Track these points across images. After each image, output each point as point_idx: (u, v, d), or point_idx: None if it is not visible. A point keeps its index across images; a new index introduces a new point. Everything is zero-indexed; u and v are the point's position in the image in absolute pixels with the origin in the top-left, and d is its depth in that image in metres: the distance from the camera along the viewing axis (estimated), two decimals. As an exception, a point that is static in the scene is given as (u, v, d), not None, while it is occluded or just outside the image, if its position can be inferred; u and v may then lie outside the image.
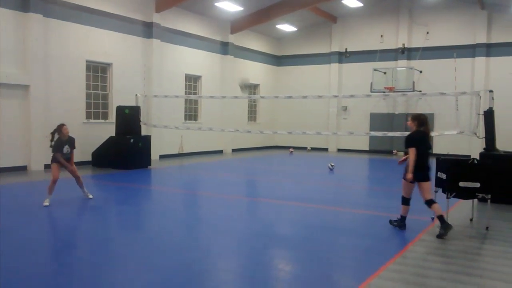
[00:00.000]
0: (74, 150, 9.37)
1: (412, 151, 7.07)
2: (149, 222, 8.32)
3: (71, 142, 9.28)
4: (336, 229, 7.74)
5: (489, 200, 7.58)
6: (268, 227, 7.86)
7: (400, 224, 7.50)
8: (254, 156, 21.82)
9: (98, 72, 16.58)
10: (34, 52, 14.06)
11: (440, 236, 6.90)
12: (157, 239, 6.89)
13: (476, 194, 7.49)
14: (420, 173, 7.10)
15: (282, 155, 22.68)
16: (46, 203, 8.88)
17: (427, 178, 7.18)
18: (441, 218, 6.98)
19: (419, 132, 7.32)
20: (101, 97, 16.73)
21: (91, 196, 9.64)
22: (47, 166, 14.53)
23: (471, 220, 8.24)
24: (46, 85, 14.52)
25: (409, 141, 7.25)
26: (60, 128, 9.09)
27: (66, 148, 9.13)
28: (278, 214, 9.06)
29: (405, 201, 7.44)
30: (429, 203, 7.17)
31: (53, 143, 9.08)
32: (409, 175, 7.06)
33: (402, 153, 23.08)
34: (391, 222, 7.72)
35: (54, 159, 9.12)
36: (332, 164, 16.49)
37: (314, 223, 8.18)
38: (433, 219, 8.06)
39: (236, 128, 18.72)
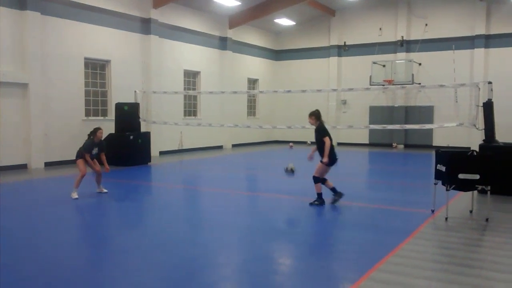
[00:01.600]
0: (104, 153, 9.91)
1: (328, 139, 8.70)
2: (149, 218, 8.33)
3: (101, 145, 9.85)
4: (337, 222, 7.76)
5: (488, 192, 7.60)
6: (269, 222, 7.88)
7: (320, 201, 8.81)
8: (254, 151, 21.82)
9: (96, 69, 16.56)
10: (32, 50, 14.03)
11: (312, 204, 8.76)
12: (157, 235, 6.91)
13: (476, 186, 7.50)
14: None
15: (282, 150, 22.69)
16: (75, 196, 9.37)
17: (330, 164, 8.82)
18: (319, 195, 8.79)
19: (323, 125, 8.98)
20: (100, 94, 16.71)
21: (105, 190, 9.99)
22: (47, 164, 14.56)
23: (471, 212, 8.26)
24: (45, 83, 14.50)
25: (326, 132, 8.86)
26: (95, 131, 9.67)
27: (95, 150, 9.68)
28: (278, 208, 9.08)
29: (320, 180, 8.89)
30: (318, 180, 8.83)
31: (84, 143, 9.66)
32: (326, 159, 8.67)
33: (401, 146, 23.12)
34: (312, 203, 8.83)
35: (78, 155, 9.58)
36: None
37: (315, 217, 8.20)
38: (433, 211, 8.08)
39: (235, 123, 18.71)
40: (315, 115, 9.06)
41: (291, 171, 9.36)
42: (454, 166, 7.53)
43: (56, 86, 14.89)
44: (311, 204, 8.84)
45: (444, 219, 7.58)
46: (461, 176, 7.44)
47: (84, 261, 5.78)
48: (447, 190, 7.60)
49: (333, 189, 8.97)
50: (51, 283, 4.94)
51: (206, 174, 14.57)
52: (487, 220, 7.59)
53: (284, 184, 12.12)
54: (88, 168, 9.67)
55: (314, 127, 9.20)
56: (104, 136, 15.29)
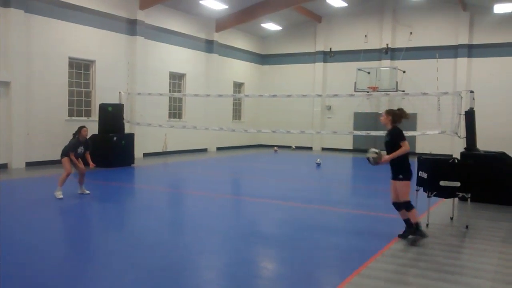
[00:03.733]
0: (89, 152, 9.89)
1: (406, 144, 6.71)
2: (132, 221, 8.26)
3: (87, 144, 9.82)
4: (319, 228, 7.78)
5: (469, 199, 7.70)
6: (252, 226, 7.88)
7: (422, 233, 6.65)
8: (239, 155, 21.81)
9: (81, 69, 16.40)
10: (16, 48, 13.84)
11: (415, 241, 6.61)
12: (139, 237, 6.85)
13: (457, 193, 7.60)
14: (407, 171, 6.71)
15: (267, 154, 22.72)
16: (60, 195, 9.26)
17: (410, 178, 6.76)
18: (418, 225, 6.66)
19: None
20: (84, 94, 16.55)
21: (88, 192, 9.85)
22: (28, 164, 14.35)
23: (451, 218, 8.37)
24: (28, 82, 14.31)
25: (403, 135, 6.84)
26: (80, 130, 9.61)
27: (80, 149, 9.62)
28: (262, 212, 9.07)
29: (409, 204, 6.68)
30: (407, 205, 6.73)
31: (69, 142, 9.65)
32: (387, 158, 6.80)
33: (385, 152, 23.28)
34: (403, 236, 6.79)
35: (64, 154, 9.50)
36: (319, 160, 17.47)
37: (298, 222, 8.21)
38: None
39: (220, 127, 18.68)
40: (392, 115, 6.98)
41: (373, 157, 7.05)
42: (435, 173, 7.62)
43: (39, 85, 14.70)
44: (399, 236, 6.81)
45: (425, 225, 7.66)
46: (442, 183, 7.53)
47: (65, 263, 5.70)
48: (428, 196, 7.69)
49: (407, 221, 6.80)
50: (31, 286, 4.87)
51: (190, 177, 14.51)
52: (467, 227, 7.69)
53: (268, 188, 12.14)
54: (72, 167, 9.53)
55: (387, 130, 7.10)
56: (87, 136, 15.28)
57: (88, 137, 9.93)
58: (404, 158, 6.71)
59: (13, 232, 6.98)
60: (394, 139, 6.81)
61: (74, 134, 9.72)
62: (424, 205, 7.92)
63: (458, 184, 7.46)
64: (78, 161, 9.63)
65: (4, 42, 13.69)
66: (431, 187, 7.64)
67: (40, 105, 14.73)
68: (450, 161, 7.90)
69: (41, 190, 10.98)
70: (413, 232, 6.63)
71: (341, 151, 24.24)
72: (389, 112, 6.99)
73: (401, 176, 6.66)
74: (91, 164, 9.80)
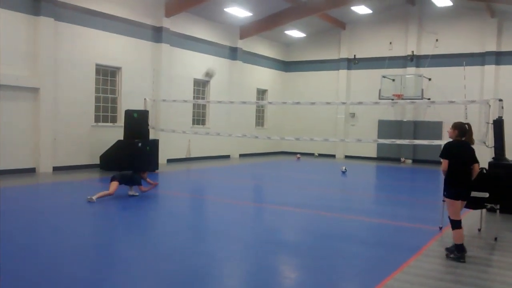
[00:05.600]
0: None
1: (443, 163, 6.49)
2: (156, 227, 8.32)
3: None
4: (343, 237, 7.70)
5: (498, 210, 7.52)
6: (275, 234, 7.84)
7: (457, 255, 6.27)
8: (261, 162, 21.81)
9: (107, 76, 16.68)
10: (45, 55, 14.17)
11: (449, 256, 6.40)
12: (162, 243, 6.89)
13: (485, 204, 7.43)
14: (451, 189, 6.51)
15: (289, 161, 22.66)
16: (92, 199, 9.71)
17: (452, 196, 6.47)
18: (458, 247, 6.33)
19: (457, 142, 6.60)
20: (110, 100, 16.82)
21: (137, 194, 10.71)
22: (55, 169, 14.64)
23: (479, 230, 8.17)
24: (55, 88, 14.62)
25: (443, 151, 6.58)
26: (144, 172, 10.92)
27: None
28: (285, 220, 9.03)
29: (453, 223, 6.40)
30: (451, 223, 6.49)
31: (132, 173, 10.64)
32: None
33: (410, 161, 22.99)
34: (447, 256, 6.43)
35: (116, 178, 10.32)
36: (344, 168, 17.48)
37: (321, 230, 8.14)
38: (441, 228, 8.01)
39: (243, 133, 18.71)
40: (460, 129, 6.58)
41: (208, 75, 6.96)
42: None
43: (67, 92, 15.01)
44: (447, 256, 6.42)
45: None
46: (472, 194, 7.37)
47: (87, 268, 5.77)
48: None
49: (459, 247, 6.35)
50: (56, 289, 4.94)
51: (212, 183, 14.57)
52: (495, 239, 7.50)
53: (290, 196, 12.09)
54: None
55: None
56: (112, 142, 15.54)
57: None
58: (448, 174, 6.48)
59: (39, 235, 7.10)
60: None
61: (137, 171, 10.75)
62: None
63: (487, 194, 7.29)
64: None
65: (34, 50, 14.03)
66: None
67: (67, 111, 15.02)
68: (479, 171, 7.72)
69: (68, 194, 11.17)
70: (452, 251, 6.39)
71: (365, 159, 24.00)
72: (455, 126, 6.66)
73: (445, 193, 6.58)
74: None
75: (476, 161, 6.58)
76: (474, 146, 6.71)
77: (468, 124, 6.69)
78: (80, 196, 10.12)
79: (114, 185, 10.14)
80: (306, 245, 7.21)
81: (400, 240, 7.53)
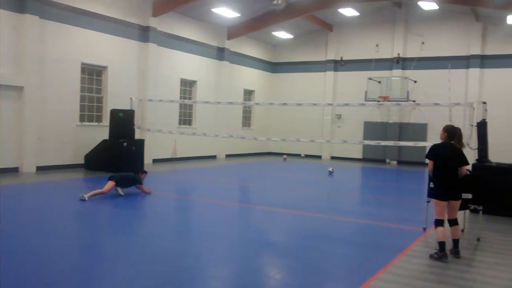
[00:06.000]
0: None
1: (429, 163, 6.74)
2: (141, 227, 8.27)
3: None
4: (328, 237, 7.73)
5: (481, 212, 7.61)
6: (261, 234, 7.85)
7: (439, 254, 6.38)
8: (248, 162, 21.80)
9: (93, 75, 16.54)
10: (30, 53, 14.00)
11: (432, 256, 6.46)
12: (148, 245, 6.85)
13: (468, 205, 7.52)
14: (431, 189, 6.72)
15: (276, 162, 22.69)
16: (84, 197, 9.73)
17: (434, 196, 6.66)
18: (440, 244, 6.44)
19: (442, 144, 6.81)
20: (96, 100, 16.67)
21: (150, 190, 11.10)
22: (39, 168, 14.46)
23: (462, 231, 8.26)
24: (40, 86, 14.45)
25: (428, 153, 6.80)
26: (142, 172, 11.24)
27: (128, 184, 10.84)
28: (271, 221, 9.04)
29: (436, 222, 6.57)
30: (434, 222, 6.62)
31: (128, 174, 10.93)
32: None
33: (395, 162, 23.19)
34: (431, 256, 6.50)
35: (113, 178, 10.39)
36: (331, 169, 17.70)
37: (307, 231, 8.17)
38: (425, 229, 8.09)
39: (230, 134, 18.70)
40: (449, 132, 6.81)
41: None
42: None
43: (52, 90, 14.84)
44: (430, 256, 6.50)
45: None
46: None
47: (71, 268, 5.70)
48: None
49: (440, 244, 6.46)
50: (38, 289, 4.88)
51: (198, 184, 14.53)
52: (478, 239, 7.60)
53: (277, 196, 12.11)
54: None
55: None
56: (97, 142, 15.43)
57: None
58: (432, 175, 6.71)
59: (22, 235, 7.02)
60: None
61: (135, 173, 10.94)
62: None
63: (470, 196, 7.38)
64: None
65: (18, 48, 13.86)
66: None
67: (52, 110, 14.86)
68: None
69: (52, 194, 11.05)
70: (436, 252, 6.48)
71: (351, 160, 24.13)
72: (445, 129, 6.88)
73: (429, 193, 6.85)
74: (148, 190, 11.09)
75: (465, 163, 6.72)
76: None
77: (458, 129, 6.88)
78: (64, 196, 10.04)
79: (110, 184, 10.20)
80: (292, 245, 7.23)
81: (385, 241, 7.58)
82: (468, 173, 7.73)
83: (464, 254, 6.86)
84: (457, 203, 6.75)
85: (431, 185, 6.72)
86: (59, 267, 5.64)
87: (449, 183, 6.61)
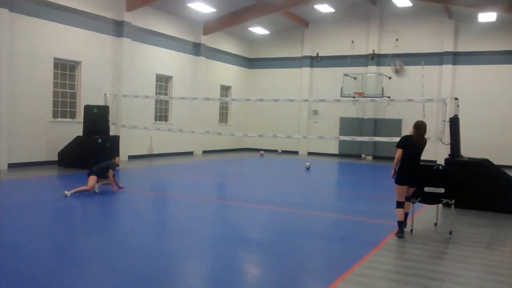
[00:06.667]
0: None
1: (398, 152, 7.59)
2: (115, 225, 8.18)
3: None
4: (304, 233, 7.78)
5: (452, 205, 7.77)
6: (237, 230, 7.85)
7: (398, 231, 7.40)
8: (225, 158, 21.77)
9: (66, 70, 16.23)
10: (0, 48, 13.65)
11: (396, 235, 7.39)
12: (122, 242, 6.78)
13: (441, 199, 7.67)
14: (398, 175, 7.58)
15: (253, 158, 22.71)
16: (67, 194, 9.71)
17: (397, 181, 7.56)
18: (399, 223, 7.45)
19: (408, 136, 7.67)
20: (69, 95, 16.37)
21: (122, 186, 11.07)
22: (11, 166, 14.15)
23: (435, 224, 8.43)
24: (11, 82, 14.09)
25: (398, 142, 7.72)
26: (115, 157, 11.09)
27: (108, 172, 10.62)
28: (247, 217, 9.06)
29: (397, 204, 7.56)
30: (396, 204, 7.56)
31: (104, 162, 10.72)
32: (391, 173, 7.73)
33: (370, 157, 23.47)
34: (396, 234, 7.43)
35: (93, 172, 10.26)
36: (308, 164, 17.78)
37: (283, 227, 8.21)
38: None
39: (206, 130, 18.61)
40: (415, 126, 7.62)
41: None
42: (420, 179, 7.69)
43: (23, 86, 14.51)
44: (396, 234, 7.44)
45: (410, 231, 7.71)
46: (426, 189, 7.61)
47: (43, 268, 5.61)
48: (412, 202, 7.76)
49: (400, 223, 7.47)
50: (10, 289, 4.78)
51: (175, 180, 14.43)
52: (450, 233, 7.75)
53: (253, 192, 12.13)
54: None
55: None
56: (71, 138, 15.17)
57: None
58: (400, 163, 7.57)
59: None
60: None
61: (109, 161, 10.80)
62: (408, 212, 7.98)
63: (442, 190, 7.53)
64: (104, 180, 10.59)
65: (-12, 42, 13.50)
66: (416, 193, 7.72)
67: (24, 105, 14.53)
68: (435, 167, 7.96)
69: (23, 192, 10.82)
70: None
71: (327, 156, 24.33)
72: (415, 124, 7.63)
73: (394, 178, 7.63)
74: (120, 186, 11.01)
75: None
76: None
77: (424, 124, 7.58)
78: (38, 194, 9.85)
79: (92, 179, 10.12)
80: (268, 241, 7.25)
81: (360, 235, 7.68)
82: (441, 168, 7.89)
83: (437, 248, 7.01)
84: (411, 190, 7.66)
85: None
86: (29, 266, 5.53)
87: (410, 171, 7.48)
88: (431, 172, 7.82)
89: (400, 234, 7.34)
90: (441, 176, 7.69)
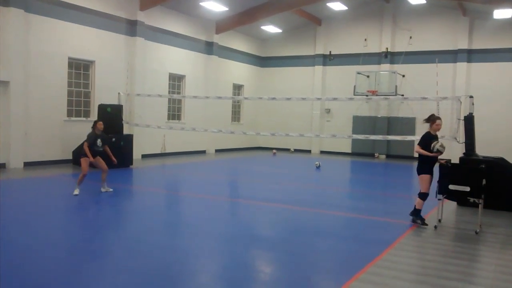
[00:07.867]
0: (107, 145, 10.43)
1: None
2: (129, 223, 8.24)
3: (104, 137, 10.34)
4: (317, 231, 7.76)
5: (480, 205, 7.70)
6: (249, 229, 7.85)
7: (420, 222, 8.11)
8: (237, 157, 21.79)
9: (80, 69, 16.37)
10: (15, 47, 13.81)
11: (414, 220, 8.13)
12: (135, 240, 6.82)
13: (468, 198, 7.67)
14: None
15: (265, 156, 22.70)
16: (76, 192, 9.76)
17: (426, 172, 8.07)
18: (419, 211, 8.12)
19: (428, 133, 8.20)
20: (83, 94, 16.52)
21: (111, 190, 10.50)
22: (26, 164, 14.32)
23: (439, 220, 8.35)
24: (26, 81, 14.28)
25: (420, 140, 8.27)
26: (95, 123, 10.28)
27: (98, 142, 10.15)
28: (260, 215, 9.05)
29: (424, 196, 8.07)
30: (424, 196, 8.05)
31: (88, 135, 10.13)
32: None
33: (383, 156, 23.32)
34: (413, 220, 8.20)
35: (82, 154, 9.96)
36: (318, 163, 17.80)
37: (296, 225, 8.19)
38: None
39: (219, 129, 18.66)
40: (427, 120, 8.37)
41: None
42: (446, 177, 7.78)
43: (38, 85, 14.68)
44: (413, 221, 8.23)
45: (433, 227, 7.82)
46: (451, 187, 7.59)
47: (58, 265, 5.66)
48: (439, 199, 7.94)
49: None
50: (23, 287, 4.84)
51: (188, 179, 14.49)
52: (476, 232, 7.67)
53: (266, 191, 12.12)
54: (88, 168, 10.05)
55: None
56: (85, 137, 15.22)
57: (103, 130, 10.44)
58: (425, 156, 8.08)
59: (9, 232, 6.95)
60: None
61: (92, 128, 10.25)
62: (424, 210, 7.94)
63: (468, 188, 7.50)
64: (98, 160, 10.14)
65: (3, 41, 13.66)
66: (440, 189, 7.83)
67: (39, 105, 14.70)
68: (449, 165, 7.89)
69: (39, 190, 10.95)
70: (413, 214, 8.18)
71: (340, 155, 24.23)
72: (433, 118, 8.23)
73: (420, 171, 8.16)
74: (114, 160, 10.38)
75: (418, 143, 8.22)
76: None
77: (433, 115, 8.26)
78: (53, 191, 9.95)
79: (84, 162, 9.92)
80: (280, 239, 7.24)
81: (373, 234, 7.63)
82: (449, 165, 7.86)
83: (452, 247, 6.94)
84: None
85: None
86: (46, 264, 5.60)
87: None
88: (455, 170, 7.85)
89: (424, 222, 8.00)
90: (467, 174, 7.66)
